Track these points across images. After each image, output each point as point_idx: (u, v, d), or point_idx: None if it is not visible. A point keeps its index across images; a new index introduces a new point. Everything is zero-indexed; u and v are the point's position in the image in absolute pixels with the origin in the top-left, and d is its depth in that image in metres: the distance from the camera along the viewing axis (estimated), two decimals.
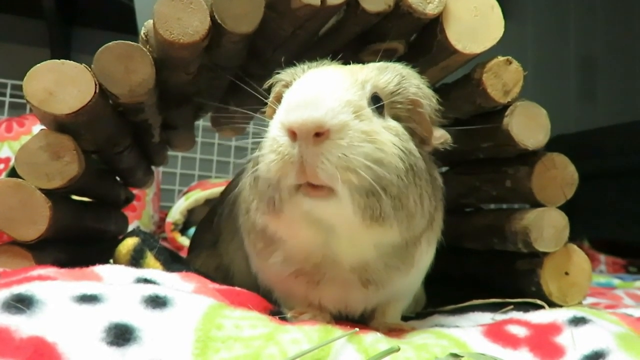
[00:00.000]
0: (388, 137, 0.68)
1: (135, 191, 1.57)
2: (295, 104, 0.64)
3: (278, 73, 0.80)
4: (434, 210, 0.79)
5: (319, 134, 0.62)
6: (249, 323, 0.59)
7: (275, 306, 0.81)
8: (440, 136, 0.78)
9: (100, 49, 0.81)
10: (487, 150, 1.03)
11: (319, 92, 0.64)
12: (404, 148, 0.69)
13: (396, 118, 0.74)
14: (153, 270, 0.80)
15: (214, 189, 2.47)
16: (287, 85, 0.76)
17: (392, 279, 0.76)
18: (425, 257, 0.82)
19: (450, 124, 0.82)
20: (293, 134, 0.63)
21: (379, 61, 0.78)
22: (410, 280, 0.82)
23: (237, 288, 0.81)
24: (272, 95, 0.80)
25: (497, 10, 0.91)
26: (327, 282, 0.74)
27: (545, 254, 0.96)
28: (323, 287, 0.75)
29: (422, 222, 0.74)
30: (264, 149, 0.67)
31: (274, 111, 0.72)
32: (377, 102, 0.71)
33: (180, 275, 0.77)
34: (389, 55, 0.95)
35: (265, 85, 0.81)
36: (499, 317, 0.87)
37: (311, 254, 0.73)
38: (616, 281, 2.01)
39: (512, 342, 0.69)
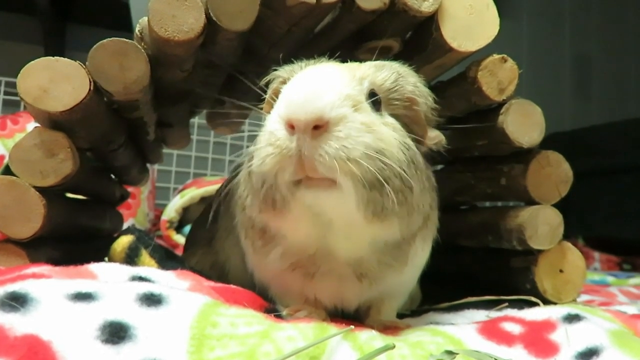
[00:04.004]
0: (387, 130, 0.68)
1: (130, 189, 1.56)
2: (294, 98, 0.64)
3: (275, 70, 0.80)
4: (429, 208, 0.79)
5: (318, 127, 0.62)
6: (244, 321, 0.59)
7: (271, 304, 0.81)
8: (435, 137, 0.78)
9: (94, 46, 0.80)
10: (482, 148, 1.03)
11: (318, 86, 0.64)
12: (403, 142, 0.69)
13: (393, 116, 0.74)
14: (148, 268, 0.80)
15: (210, 187, 2.46)
16: (284, 82, 0.76)
17: (386, 276, 0.76)
18: (420, 255, 0.82)
19: (446, 122, 0.82)
20: (291, 127, 0.62)
21: (375, 59, 0.78)
22: (405, 278, 0.82)
23: (232, 286, 0.80)
24: (269, 91, 0.80)
25: (492, 9, 0.91)
26: (323, 274, 0.74)
27: (539, 251, 0.97)
28: (318, 280, 0.75)
29: (419, 219, 0.75)
30: (261, 142, 0.67)
31: (271, 107, 0.72)
32: (374, 99, 0.72)
33: (175, 273, 0.77)
34: (384, 53, 0.95)
35: (263, 82, 0.81)
36: (493, 314, 0.87)
37: (307, 246, 0.73)
38: (610, 279, 2.02)
39: (506, 339, 0.69)
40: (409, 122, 0.76)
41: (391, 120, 0.73)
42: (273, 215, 0.70)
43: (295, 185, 0.65)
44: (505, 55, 0.92)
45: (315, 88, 0.64)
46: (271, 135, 0.65)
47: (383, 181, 0.64)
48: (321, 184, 0.64)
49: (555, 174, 0.97)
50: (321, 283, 0.75)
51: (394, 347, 0.59)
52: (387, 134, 0.67)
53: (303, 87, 0.65)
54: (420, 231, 0.78)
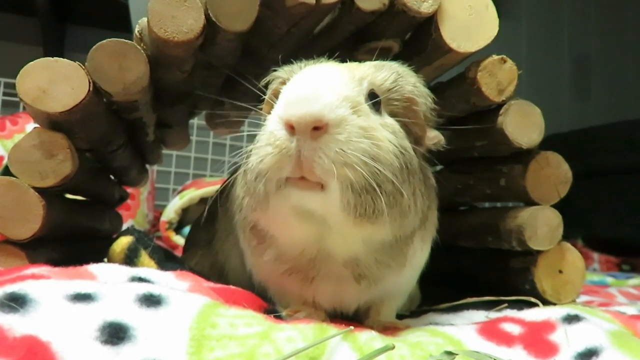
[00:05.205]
0: (385, 134, 0.68)
1: (129, 190, 1.56)
2: (294, 99, 0.64)
3: (275, 70, 0.80)
4: (427, 209, 0.79)
5: (317, 129, 0.62)
6: (243, 321, 0.59)
7: (270, 304, 0.81)
8: (434, 137, 0.79)
9: (94, 47, 0.80)
10: (481, 148, 1.03)
11: (318, 87, 0.65)
12: (399, 146, 0.69)
13: (392, 115, 0.74)
14: (147, 268, 0.80)
15: (209, 188, 2.46)
16: (284, 82, 0.76)
17: (384, 276, 0.76)
18: (419, 255, 0.82)
19: (445, 123, 0.82)
20: (291, 128, 0.62)
21: (375, 60, 0.78)
22: (404, 278, 0.82)
23: (231, 286, 0.80)
24: (269, 92, 0.80)
25: (492, 9, 0.91)
26: (322, 278, 0.74)
27: (539, 252, 0.97)
28: (317, 284, 0.75)
29: (415, 220, 0.74)
30: (261, 141, 0.67)
31: (271, 107, 0.73)
32: (373, 99, 0.72)
33: (175, 274, 0.77)
34: (384, 54, 0.95)
35: (262, 83, 0.81)
36: (493, 315, 0.87)
37: (306, 249, 0.73)
38: (609, 279, 2.02)
39: (506, 339, 0.69)
40: (408, 122, 0.76)
41: (390, 121, 0.73)
42: (259, 212, 0.70)
43: (283, 182, 0.65)
44: (505, 56, 0.92)
45: (314, 89, 0.64)
46: (271, 135, 0.65)
47: (375, 185, 0.64)
48: (310, 186, 0.64)
49: (554, 174, 0.97)
50: (320, 286, 0.75)
51: (394, 347, 0.59)
52: (384, 139, 0.67)
53: (302, 88, 0.66)
54: (418, 232, 0.78)
